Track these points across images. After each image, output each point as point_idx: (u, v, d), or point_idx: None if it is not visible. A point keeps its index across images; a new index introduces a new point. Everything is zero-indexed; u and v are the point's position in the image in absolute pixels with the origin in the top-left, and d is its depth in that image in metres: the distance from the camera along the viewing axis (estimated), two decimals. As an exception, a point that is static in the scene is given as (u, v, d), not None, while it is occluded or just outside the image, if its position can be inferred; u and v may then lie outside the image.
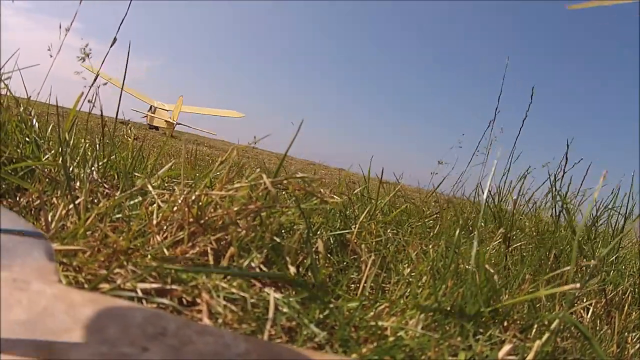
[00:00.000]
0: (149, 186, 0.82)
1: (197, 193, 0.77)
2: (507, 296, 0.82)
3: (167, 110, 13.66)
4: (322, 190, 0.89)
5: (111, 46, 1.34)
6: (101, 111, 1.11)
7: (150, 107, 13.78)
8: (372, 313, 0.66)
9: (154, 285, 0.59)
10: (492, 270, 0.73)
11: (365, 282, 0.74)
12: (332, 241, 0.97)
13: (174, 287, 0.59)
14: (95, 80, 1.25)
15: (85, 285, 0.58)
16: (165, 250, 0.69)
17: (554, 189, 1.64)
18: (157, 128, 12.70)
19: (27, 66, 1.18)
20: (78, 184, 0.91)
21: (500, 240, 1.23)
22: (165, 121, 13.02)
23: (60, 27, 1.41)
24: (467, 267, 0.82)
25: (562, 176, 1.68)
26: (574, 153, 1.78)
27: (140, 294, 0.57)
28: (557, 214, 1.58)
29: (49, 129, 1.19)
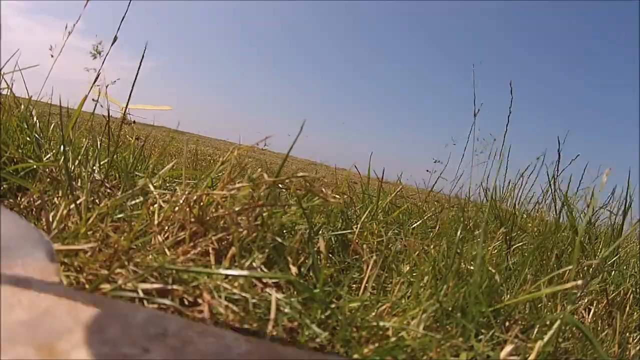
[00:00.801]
0: (151, 186, 0.82)
1: (198, 193, 0.77)
2: (508, 296, 0.82)
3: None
4: (323, 189, 0.88)
5: (112, 44, 1.35)
6: (108, 111, 1.11)
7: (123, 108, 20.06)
8: (373, 313, 0.66)
9: (155, 286, 0.58)
10: (493, 271, 0.73)
11: (367, 283, 0.74)
12: (333, 241, 0.97)
13: (175, 287, 0.59)
14: (96, 79, 1.25)
15: (87, 286, 0.58)
16: (166, 250, 0.68)
17: (552, 188, 1.64)
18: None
19: (27, 67, 1.19)
20: (79, 183, 0.91)
21: (502, 240, 1.23)
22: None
23: (66, 27, 1.42)
24: (468, 267, 0.82)
25: (559, 173, 1.68)
26: (573, 152, 1.79)
27: (141, 294, 0.57)
28: (557, 213, 1.58)
29: (51, 129, 1.19)
